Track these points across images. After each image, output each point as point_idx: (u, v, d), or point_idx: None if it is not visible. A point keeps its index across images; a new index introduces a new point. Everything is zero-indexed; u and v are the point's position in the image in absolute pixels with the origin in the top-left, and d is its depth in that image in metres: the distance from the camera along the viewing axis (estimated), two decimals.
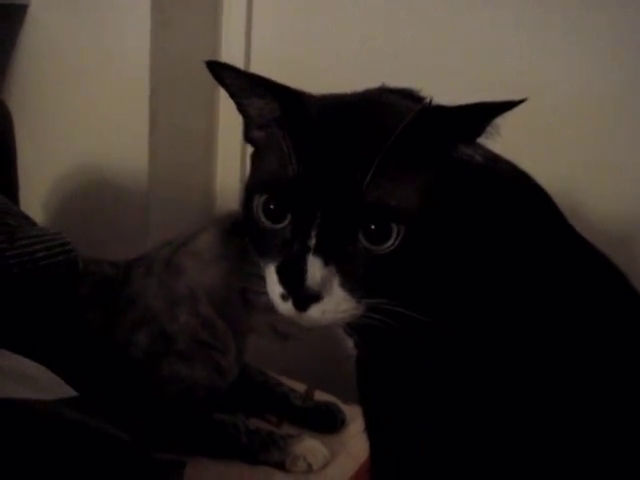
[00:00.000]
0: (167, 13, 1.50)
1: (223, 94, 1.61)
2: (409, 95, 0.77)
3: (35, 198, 1.68)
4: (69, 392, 0.87)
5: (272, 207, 0.70)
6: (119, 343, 1.13)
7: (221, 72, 0.74)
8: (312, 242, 0.67)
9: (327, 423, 1.21)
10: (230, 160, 1.68)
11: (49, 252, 1.04)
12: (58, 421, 0.79)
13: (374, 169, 0.65)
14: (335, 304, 0.68)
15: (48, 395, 0.83)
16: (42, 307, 1.09)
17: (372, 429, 0.81)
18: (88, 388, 0.93)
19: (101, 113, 1.60)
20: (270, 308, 1.07)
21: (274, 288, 0.71)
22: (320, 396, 1.30)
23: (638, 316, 0.75)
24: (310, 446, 1.12)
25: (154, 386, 1.12)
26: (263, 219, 0.71)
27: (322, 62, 1.52)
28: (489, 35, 1.31)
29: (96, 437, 0.81)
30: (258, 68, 1.59)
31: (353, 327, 0.76)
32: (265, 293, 0.88)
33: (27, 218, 1.19)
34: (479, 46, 1.32)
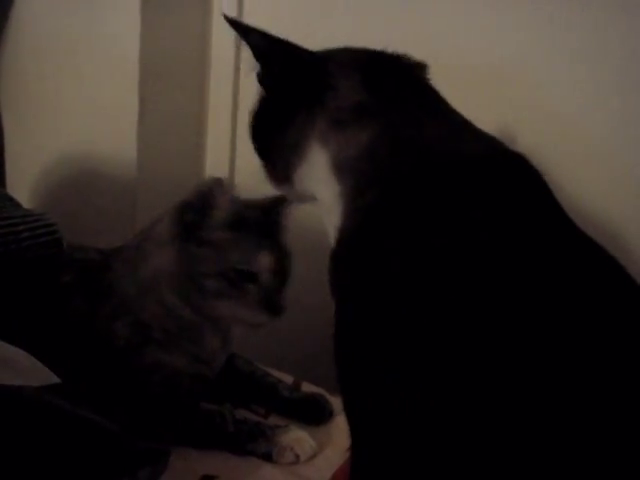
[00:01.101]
0: (157, 0, 1.49)
1: (213, 82, 1.61)
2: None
3: (23, 186, 1.67)
4: (52, 379, 0.85)
5: None
6: (101, 332, 1.11)
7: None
8: None
9: (315, 414, 1.20)
10: (220, 149, 1.67)
11: (33, 233, 1.03)
12: (42, 408, 0.79)
13: None
14: None
15: (31, 382, 0.82)
16: (25, 290, 1.08)
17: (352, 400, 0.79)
18: (72, 376, 0.92)
19: (90, 101, 1.58)
20: (221, 293, 1.09)
21: None
22: (307, 388, 1.29)
23: (630, 301, 0.74)
24: (297, 437, 1.11)
25: (138, 375, 1.11)
26: None
27: (314, 47, 1.50)
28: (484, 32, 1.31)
29: (80, 424, 0.80)
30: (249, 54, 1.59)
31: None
32: (213, 276, 0.90)
33: (11, 199, 1.18)
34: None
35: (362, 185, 0.83)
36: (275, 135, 0.92)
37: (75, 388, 0.87)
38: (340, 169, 0.86)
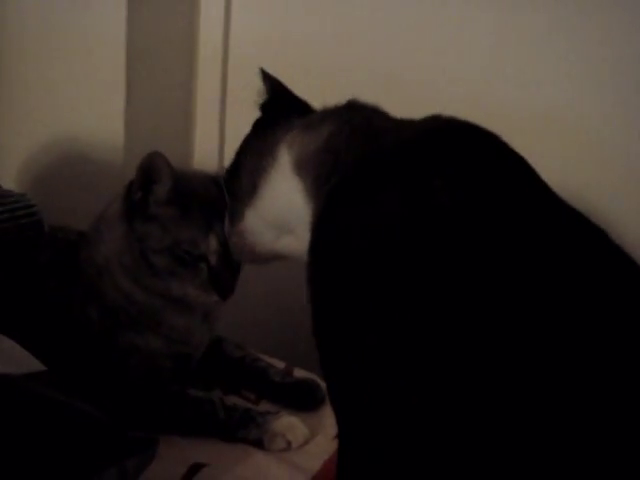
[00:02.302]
0: None
1: (201, 67, 1.60)
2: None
3: (10, 170, 1.65)
4: (37, 366, 0.83)
5: None
6: (77, 315, 1.11)
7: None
8: None
9: (306, 400, 1.18)
10: (208, 134, 1.66)
11: (12, 214, 1.01)
12: (28, 396, 0.77)
13: None
14: None
15: (15, 369, 0.80)
16: (5, 273, 1.06)
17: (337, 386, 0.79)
18: (54, 361, 0.90)
19: (77, 85, 1.56)
20: (170, 270, 1.09)
21: None
22: (299, 374, 1.28)
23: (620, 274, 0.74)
24: (289, 423, 1.09)
25: (115, 359, 1.10)
26: None
27: (302, 37, 1.51)
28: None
29: (66, 413, 0.78)
30: (237, 42, 1.60)
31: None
32: (160, 252, 1.01)
33: None
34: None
35: (322, 177, 0.88)
36: (254, 149, 1.01)
37: (60, 375, 0.85)
38: (300, 167, 0.91)
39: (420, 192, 0.76)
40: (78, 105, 1.57)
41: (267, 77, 1.05)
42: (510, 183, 0.79)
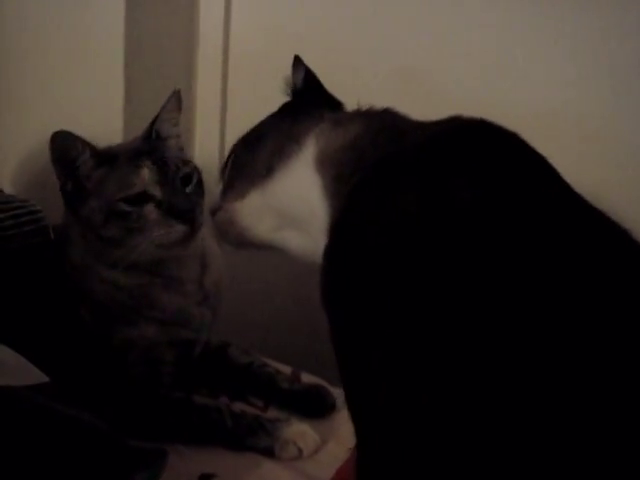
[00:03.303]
0: None
1: (201, 67, 1.59)
2: None
3: (4, 172, 1.61)
4: (40, 377, 0.80)
5: None
6: (73, 319, 1.09)
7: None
8: None
9: (316, 407, 1.16)
10: (208, 136, 1.64)
11: (17, 221, 0.96)
12: (33, 411, 0.74)
13: None
14: None
15: (18, 381, 0.77)
16: (10, 282, 1.03)
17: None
18: (58, 371, 0.87)
19: (74, 86, 1.53)
20: (126, 230, 1.06)
21: None
22: (307, 379, 1.25)
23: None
24: (300, 430, 1.07)
25: (113, 358, 1.08)
26: None
27: (304, 35, 1.48)
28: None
29: (72, 427, 0.75)
30: (237, 40, 1.58)
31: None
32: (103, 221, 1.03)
33: None
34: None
35: (344, 176, 0.86)
36: (281, 128, 0.97)
37: (62, 385, 0.82)
38: (322, 163, 0.89)
39: (442, 190, 0.75)
40: (76, 105, 1.53)
41: (302, 66, 1.04)
42: (531, 181, 0.78)
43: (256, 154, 0.96)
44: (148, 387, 1.08)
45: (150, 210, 1.07)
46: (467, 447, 0.65)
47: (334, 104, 1.02)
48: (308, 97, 1.01)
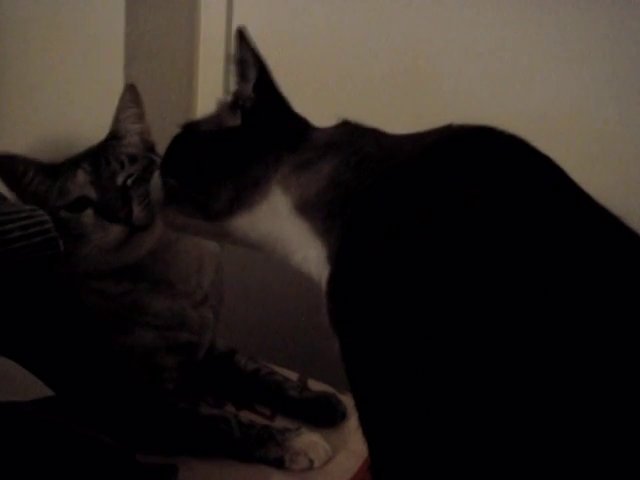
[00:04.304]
0: None
1: (202, 67, 1.57)
2: None
3: None
4: (44, 391, 0.77)
5: None
6: (74, 333, 1.06)
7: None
8: None
9: (326, 416, 1.13)
10: None
11: (24, 232, 0.93)
12: (38, 426, 0.71)
13: None
14: None
15: (21, 395, 0.74)
16: (16, 294, 1.00)
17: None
18: (63, 386, 0.84)
19: (73, 86, 1.51)
20: (76, 237, 1.02)
21: None
22: (314, 385, 1.23)
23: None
24: (310, 440, 1.04)
25: (114, 367, 1.06)
26: None
27: (306, 35, 1.48)
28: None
29: (79, 443, 0.73)
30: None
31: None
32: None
33: None
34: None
35: (334, 213, 0.81)
36: (229, 167, 0.88)
37: (69, 400, 0.79)
38: (304, 209, 0.84)
39: (453, 201, 0.72)
40: (74, 107, 1.51)
41: (255, 63, 0.89)
42: (541, 186, 0.75)
43: (208, 190, 0.88)
44: (152, 397, 1.06)
45: (88, 215, 1.04)
46: (483, 462, 0.65)
47: (294, 129, 0.89)
48: (261, 125, 0.88)
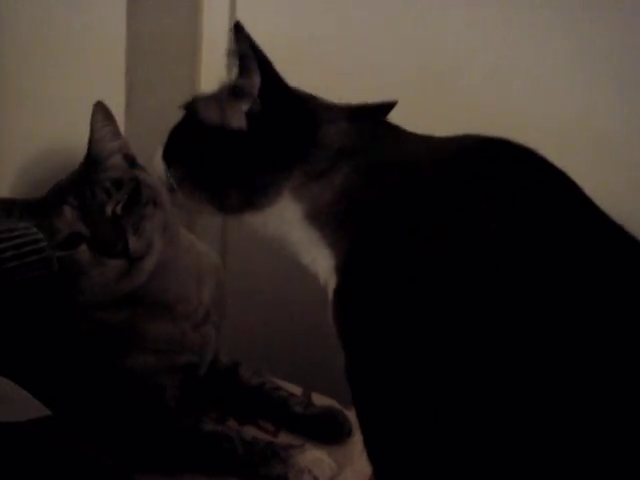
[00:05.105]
0: None
1: (204, 72, 1.55)
2: None
3: (3, 182, 1.56)
4: (41, 410, 0.75)
5: None
6: (68, 353, 1.03)
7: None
8: None
9: (332, 432, 1.10)
10: None
11: (18, 251, 0.89)
12: (36, 447, 0.69)
13: None
14: None
15: (20, 415, 0.72)
16: (12, 314, 0.97)
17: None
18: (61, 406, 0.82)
19: (73, 93, 1.47)
20: (71, 277, 0.99)
21: None
22: (318, 400, 1.20)
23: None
24: (315, 457, 1.01)
25: (114, 387, 1.03)
26: None
27: (309, 36, 1.46)
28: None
29: (77, 463, 0.70)
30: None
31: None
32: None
33: None
34: None
35: (345, 224, 0.81)
36: (236, 171, 0.86)
37: (67, 419, 0.77)
38: (315, 219, 0.83)
39: (466, 219, 0.72)
40: (74, 115, 1.46)
41: (257, 56, 0.86)
42: (557, 201, 0.75)
43: (214, 189, 0.87)
44: (153, 415, 1.03)
45: (83, 251, 0.99)
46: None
47: (305, 135, 0.85)
48: (268, 135, 0.85)
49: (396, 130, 0.88)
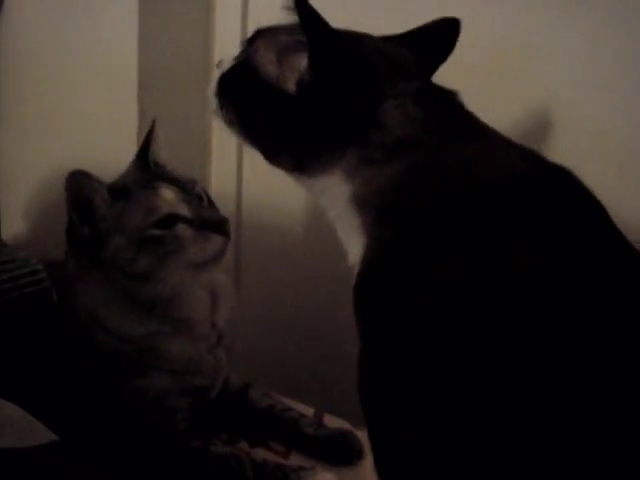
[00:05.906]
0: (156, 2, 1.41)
1: None
2: None
3: (15, 204, 1.58)
4: (49, 436, 0.74)
5: None
6: (78, 374, 1.04)
7: None
8: None
9: (343, 454, 1.10)
10: (226, 160, 1.59)
11: (16, 283, 0.89)
12: (43, 474, 0.68)
13: None
14: None
15: (26, 441, 0.71)
16: (14, 340, 0.97)
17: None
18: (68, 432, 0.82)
19: (86, 112, 1.50)
20: (159, 257, 1.01)
21: None
22: (330, 421, 1.20)
23: None
24: (326, 479, 1.01)
25: (124, 410, 1.03)
26: None
27: None
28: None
29: None
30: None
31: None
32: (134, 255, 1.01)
33: None
34: None
35: (385, 219, 0.79)
36: (289, 135, 0.83)
37: (75, 444, 0.77)
38: (361, 204, 0.80)
39: (500, 254, 0.71)
40: (87, 133, 1.50)
41: (309, 23, 0.77)
42: (594, 244, 0.74)
43: (265, 142, 0.85)
44: (162, 437, 1.03)
45: (183, 229, 1.03)
46: None
47: (363, 116, 0.79)
48: (322, 112, 0.80)
49: (464, 123, 0.83)
